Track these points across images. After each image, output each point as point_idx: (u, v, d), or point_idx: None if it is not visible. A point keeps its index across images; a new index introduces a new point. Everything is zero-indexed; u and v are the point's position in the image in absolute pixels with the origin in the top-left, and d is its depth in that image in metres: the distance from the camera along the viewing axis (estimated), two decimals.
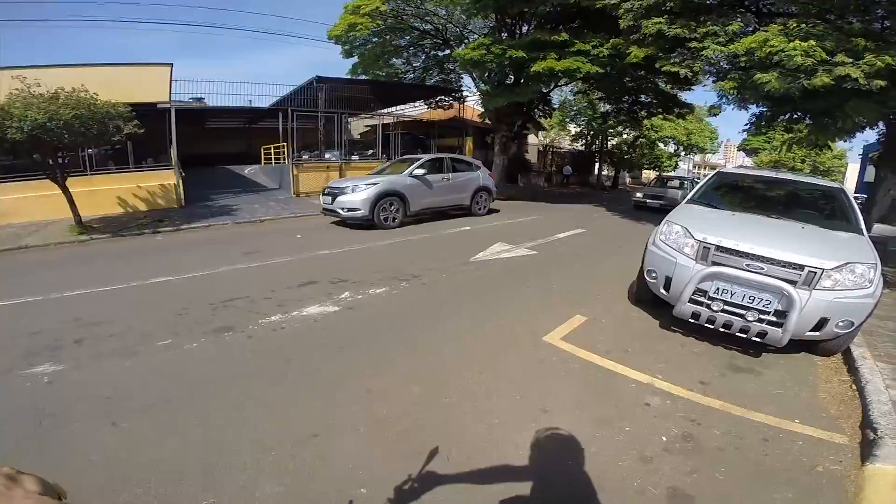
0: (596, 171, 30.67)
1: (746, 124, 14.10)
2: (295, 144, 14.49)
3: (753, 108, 12.16)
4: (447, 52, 19.33)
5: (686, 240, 4.03)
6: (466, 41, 18.31)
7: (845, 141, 12.81)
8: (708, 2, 9.79)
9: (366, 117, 19.25)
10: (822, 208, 5.02)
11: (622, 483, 2.22)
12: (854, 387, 3.28)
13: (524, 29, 16.69)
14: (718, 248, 3.78)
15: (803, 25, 8.17)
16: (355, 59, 18.30)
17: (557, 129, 31.01)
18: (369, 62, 18.16)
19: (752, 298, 3.55)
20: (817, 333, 3.48)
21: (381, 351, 3.67)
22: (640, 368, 3.44)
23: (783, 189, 5.57)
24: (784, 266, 3.50)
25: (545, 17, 15.37)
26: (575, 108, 28.00)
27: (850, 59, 7.58)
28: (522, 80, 15.55)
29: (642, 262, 4.66)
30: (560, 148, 31.45)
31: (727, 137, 43.32)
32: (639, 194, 15.97)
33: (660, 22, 9.57)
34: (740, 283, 3.58)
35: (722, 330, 3.71)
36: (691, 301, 3.76)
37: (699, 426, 2.73)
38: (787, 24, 8.55)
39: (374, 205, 9.07)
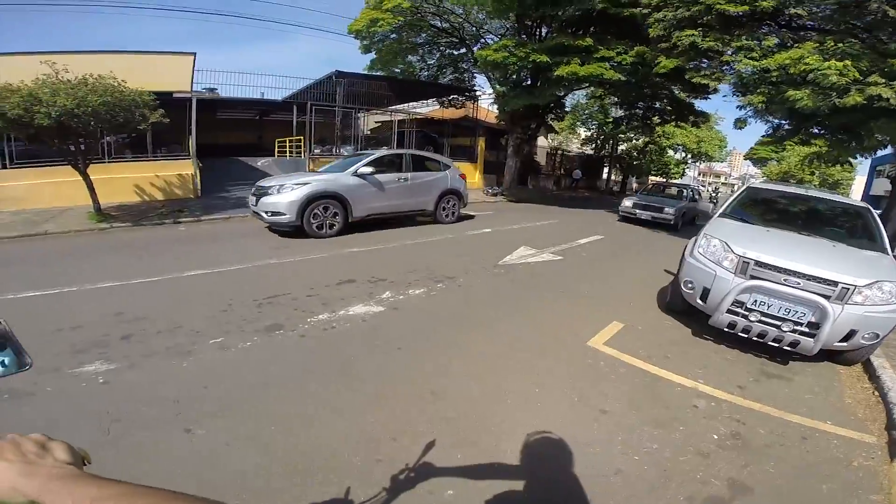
0: (605, 176, 30.59)
1: (765, 135, 14.12)
2: (312, 138, 14.33)
3: (773, 121, 12.17)
4: (462, 50, 19.26)
5: (726, 253, 4.28)
6: (483, 41, 18.22)
7: (866, 157, 12.81)
8: (741, 16, 9.72)
9: (377, 113, 19.14)
10: (850, 226, 5.27)
11: (688, 475, 2.44)
12: (876, 393, 3.63)
13: (543, 31, 16.60)
14: (758, 263, 4.02)
15: (840, 45, 8.14)
16: (373, 55, 18.16)
17: (567, 132, 30.93)
18: (387, 58, 18.03)
19: (787, 311, 3.80)
20: (845, 344, 3.77)
21: (434, 353, 3.72)
22: (682, 373, 3.67)
23: (811, 206, 5.74)
24: (819, 282, 3.76)
25: (565, 20, 15.28)
26: (586, 111, 27.91)
27: (884, 80, 7.55)
28: (541, 83, 15.47)
29: (677, 273, 4.98)
30: (569, 151, 31.38)
31: (733, 146, 43.39)
32: (627, 202, 13.41)
33: (693, 34, 9.52)
34: (778, 296, 3.82)
35: (756, 339, 3.98)
36: (729, 311, 4.00)
37: (744, 426, 2.98)
38: (823, 41, 8.52)
39: (302, 209, 7.53)
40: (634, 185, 35.37)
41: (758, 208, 5.78)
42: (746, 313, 3.95)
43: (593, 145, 30.48)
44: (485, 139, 20.26)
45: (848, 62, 7.83)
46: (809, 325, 3.72)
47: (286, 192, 7.62)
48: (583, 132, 31.71)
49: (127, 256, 6.34)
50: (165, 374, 3.07)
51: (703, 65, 10.85)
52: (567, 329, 4.42)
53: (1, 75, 7.53)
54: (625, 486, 2.32)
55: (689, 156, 33.70)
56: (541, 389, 3.21)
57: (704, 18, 9.66)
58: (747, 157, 34.36)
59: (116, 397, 2.75)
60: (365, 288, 5.22)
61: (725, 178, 71.50)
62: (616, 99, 21.40)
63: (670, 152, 32.88)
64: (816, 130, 11.36)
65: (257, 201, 7.88)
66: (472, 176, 19.69)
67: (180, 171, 11.82)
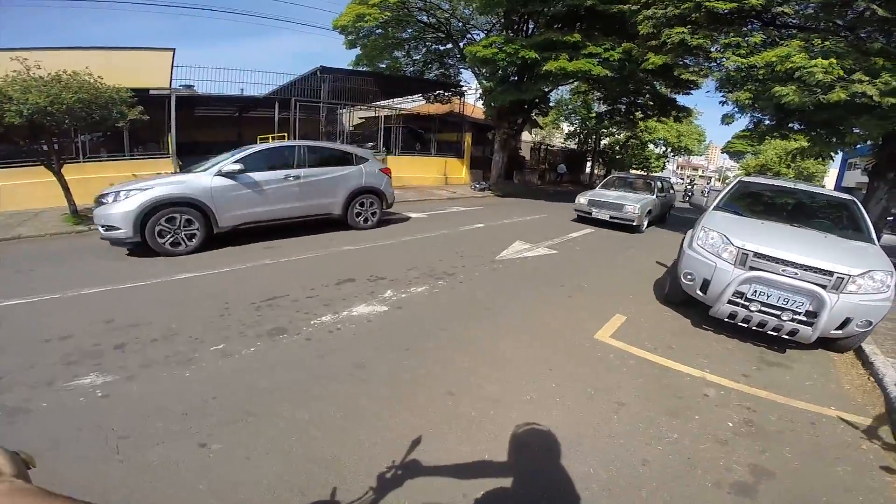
0: (588, 170, 30.83)
1: (745, 130, 14.40)
2: (297, 135, 14.01)
3: (758, 116, 12.39)
4: (449, 46, 19.13)
5: (725, 245, 4.42)
6: (470, 36, 18.13)
7: (845, 152, 13.18)
8: (729, 14, 9.86)
9: (362, 109, 18.87)
10: (837, 218, 5.45)
11: (711, 462, 2.50)
12: (871, 379, 3.79)
13: (530, 27, 16.57)
14: (757, 254, 4.16)
15: (827, 43, 8.32)
16: (358, 51, 17.87)
17: (551, 127, 31.07)
18: (373, 54, 17.78)
19: (786, 300, 3.93)
20: (840, 332, 3.91)
21: (445, 352, 3.66)
22: (688, 363, 3.76)
23: (800, 199, 5.95)
24: (816, 272, 3.92)
25: (552, 17, 15.28)
26: (570, 107, 28.07)
27: (867, 78, 7.75)
28: (528, 79, 15.46)
29: (675, 265, 5.13)
30: (552, 146, 31.56)
31: (710, 140, 44.29)
32: (581, 199, 10.99)
33: (683, 32, 9.60)
34: (777, 286, 3.96)
35: (755, 328, 4.11)
36: (730, 302, 4.13)
37: (755, 413, 3.07)
38: (809, 39, 8.70)
39: (141, 221, 5.90)
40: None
41: (749, 201, 5.96)
42: (747, 304, 4.08)
43: (576, 140, 30.69)
44: (471, 135, 20.19)
45: (833, 60, 8.00)
46: (807, 314, 3.86)
47: (121, 202, 5.95)
48: (566, 127, 31.91)
49: (110, 260, 6.04)
50: (168, 385, 2.89)
51: (690, 62, 10.99)
52: (573, 323, 4.47)
53: None
54: (654, 476, 2.36)
55: (670, 150, 34.27)
56: (558, 385, 3.22)
57: (693, 16, 9.75)
58: (724, 150, 35.16)
59: (119, 412, 2.56)
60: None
61: (703, 171, 73.09)
62: (600, 94, 21.54)
63: (651, 146, 33.36)
64: (797, 126, 11.67)
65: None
66: (459, 171, 19.63)
67: (160, 169, 11.38)
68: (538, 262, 6.96)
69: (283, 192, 7.14)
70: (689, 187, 27.44)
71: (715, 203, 5.75)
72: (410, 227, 9.23)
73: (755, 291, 4.04)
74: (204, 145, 17.94)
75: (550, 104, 24.06)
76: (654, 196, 11.42)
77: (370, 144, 17.45)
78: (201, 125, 20.31)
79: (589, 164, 30.77)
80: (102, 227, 6.07)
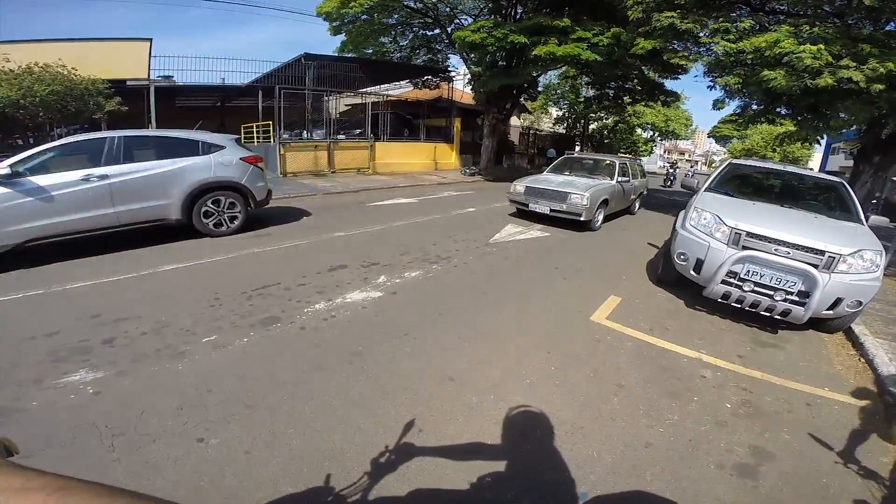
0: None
1: (732, 114, 14.49)
2: (282, 123, 13.74)
3: (746, 100, 12.45)
4: (436, 31, 18.82)
5: (718, 225, 4.44)
6: (457, 21, 17.84)
7: (830, 136, 13.33)
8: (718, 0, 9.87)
9: (349, 96, 18.58)
10: (826, 199, 5.51)
11: (712, 444, 2.51)
12: (862, 360, 3.83)
13: (518, 11, 16.35)
14: (749, 234, 4.17)
15: (815, 29, 8.35)
16: (343, 37, 17.47)
17: (539, 111, 30.93)
18: (358, 40, 17.42)
19: (779, 280, 3.96)
20: (831, 312, 3.94)
21: (443, 337, 3.64)
22: (685, 344, 3.78)
23: (789, 180, 6.03)
24: (808, 251, 3.94)
25: (541, 1, 15.09)
26: (558, 91, 27.94)
27: (855, 64, 7.80)
28: (517, 63, 15.30)
29: (669, 246, 5.17)
30: (541, 130, 31.46)
31: (696, 124, 44.57)
32: (518, 187, 8.75)
33: (672, 16, 9.58)
34: (770, 266, 3.98)
35: (748, 309, 4.13)
36: (723, 282, 4.16)
37: (752, 394, 3.08)
38: (798, 25, 8.73)
39: None
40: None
41: (740, 183, 5.99)
42: (740, 283, 4.11)
43: (565, 124, 30.62)
44: (460, 120, 20.01)
45: (821, 46, 8.05)
46: (799, 293, 3.90)
47: None
48: (554, 112, 31.79)
49: (92, 253, 5.87)
50: (161, 380, 2.80)
51: (679, 46, 10.97)
52: (569, 305, 4.47)
53: None
54: (657, 458, 2.36)
55: (657, 134, 34.39)
56: (556, 368, 3.21)
57: (683, 0, 9.70)
58: (711, 134, 35.38)
59: (112, 409, 2.48)
60: None
61: (689, 155, 73.62)
62: (588, 79, 21.42)
63: (639, 130, 33.43)
64: (784, 111, 11.75)
65: None
66: (448, 157, 19.49)
67: None
68: (531, 244, 6.98)
69: (81, 197, 5.48)
70: (670, 171, 24.65)
71: (706, 185, 5.77)
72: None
73: (748, 271, 4.08)
74: None
75: (539, 89, 23.91)
76: (614, 182, 8.92)
77: (358, 131, 17.23)
78: (183, 116, 19.85)
79: (578, 148, 30.77)
80: None
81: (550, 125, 33.74)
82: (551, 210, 8.16)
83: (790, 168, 6.21)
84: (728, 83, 9.90)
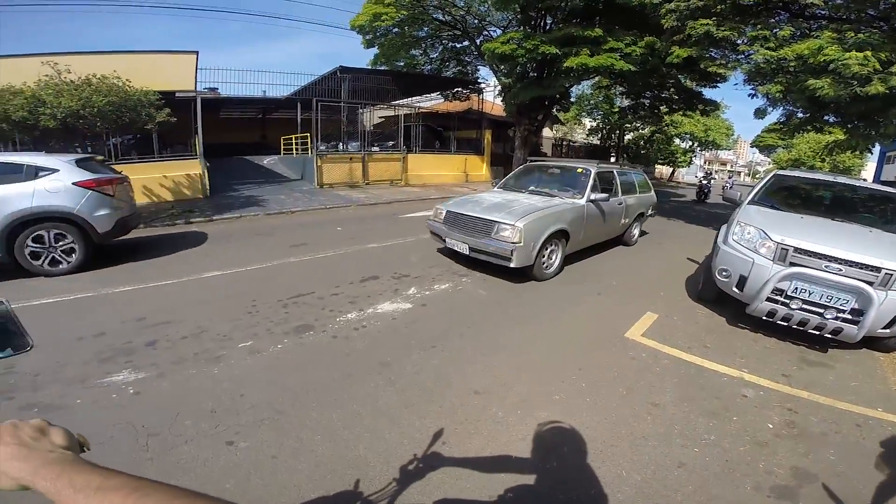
0: None
1: (776, 123, 13.93)
2: (319, 135, 14.15)
3: (789, 109, 11.97)
4: (465, 43, 19.05)
5: (763, 241, 4.21)
6: (486, 33, 17.99)
7: (883, 144, 12.62)
8: (755, 6, 9.55)
9: (382, 108, 18.98)
10: (882, 212, 5.17)
11: (750, 465, 2.40)
12: None
13: (547, 22, 16.34)
14: (797, 249, 3.94)
15: (860, 35, 7.98)
16: (376, 50, 17.96)
17: (572, 122, 30.64)
18: (390, 53, 17.84)
19: (829, 298, 3.72)
20: (887, 331, 3.70)
21: (471, 350, 3.62)
22: (725, 363, 3.61)
23: (840, 192, 5.67)
24: (862, 268, 3.69)
25: (570, 11, 15.03)
26: (591, 102, 27.63)
27: None
28: (548, 75, 15.25)
29: (710, 261, 4.97)
30: (574, 142, 31.12)
31: (738, 134, 43.02)
32: (440, 210, 6.05)
33: (708, 24, 9.34)
34: (820, 283, 3.75)
35: (796, 327, 3.91)
36: (768, 299, 3.93)
37: (797, 414, 2.94)
38: (841, 31, 8.37)
39: None
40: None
41: (786, 195, 5.69)
42: (787, 301, 3.88)
43: (599, 135, 30.19)
44: (491, 132, 20.05)
45: (868, 52, 7.69)
46: (853, 311, 3.65)
47: None
48: (588, 122, 31.42)
49: (141, 259, 6.19)
50: (197, 383, 2.92)
51: (717, 54, 10.68)
52: (602, 321, 4.39)
53: (3, 77, 7.38)
54: (689, 479, 2.27)
55: (697, 144, 33.40)
56: (587, 384, 3.14)
57: (718, 7, 9.47)
58: (754, 144, 34.07)
59: (150, 409, 2.60)
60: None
61: (731, 166, 71.02)
62: (622, 89, 21.09)
63: (677, 141, 32.56)
64: (832, 119, 11.21)
65: None
66: (479, 168, 19.53)
67: (188, 170, 11.66)
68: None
69: None
70: (703, 183, 19.80)
71: (750, 197, 5.51)
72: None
73: (796, 288, 3.86)
74: (227, 146, 18.40)
75: (571, 100, 23.70)
76: (583, 202, 6.00)
77: (391, 143, 17.53)
78: (226, 127, 20.83)
79: (612, 159, 30.28)
80: None
81: (584, 136, 33.34)
82: (471, 250, 5.33)
83: (841, 179, 5.87)
84: (770, 91, 9.53)
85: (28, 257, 5.21)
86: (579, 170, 6.76)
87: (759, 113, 11.17)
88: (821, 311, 3.75)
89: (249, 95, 17.13)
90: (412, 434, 2.48)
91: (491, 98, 22.05)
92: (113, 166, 10.16)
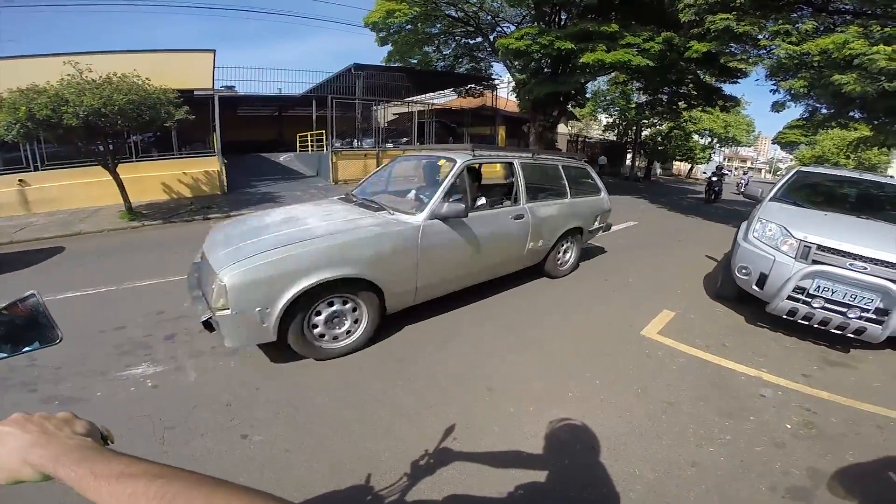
0: (629, 162, 29.89)
1: (800, 118, 13.60)
2: (334, 132, 14.26)
3: (812, 104, 11.68)
4: (479, 39, 18.96)
5: (784, 238, 4.11)
6: (499, 29, 17.87)
7: None
8: (777, 0, 9.33)
9: (396, 105, 19.04)
10: None
11: (766, 466, 2.37)
12: None
13: (562, 18, 16.16)
14: (820, 247, 3.84)
15: (887, 29, 7.74)
16: (389, 47, 17.99)
17: (588, 118, 30.26)
18: (404, 49, 17.86)
19: (853, 296, 3.62)
20: None
21: (485, 345, 3.61)
22: (743, 362, 3.57)
23: (865, 189, 5.50)
24: (888, 266, 3.58)
25: (585, 6, 14.84)
26: (608, 97, 27.25)
27: None
28: (563, 70, 15.09)
29: (729, 259, 4.86)
30: (590, 138, 30.74)
31: (759, 130, 42.02)
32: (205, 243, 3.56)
33: (727, 18, 9.13)
34: (843, 281, 3.65)
35: (817, 326, 3.81)
36: (789, 298, 3.85)
37: (816, 415, 2.88)
38: (867, 25, 8.11)
39: None
40: (658, 171, 34.39)
41: (809, 192, 5.53)
42: (808, 300, 3.79)
43: (616, 131, 29.78)
44: (505, 128, 19.97)
45: None
46: (877, 311, 3.55)
47: None
48: (604, 119, 31.01)
49: (161, 253, 6.33)
50: (214, 376, 2.98)
51: (737, 49, 10.46)
52: (618, 318, 4.32)
53: (26, 77, 7.57)
54: (703, 478, 2.25)
55: (716, 141, 32.69)
56: (602, 382, 3.13)
57: (738, 1, 9.27)
58: (776, 141, 33.23)
59: (167, 402, 2.66)
60: None
61: (752, 163, 69.48)
62: (639, 84, 20.75)
63: (696, 137, 31.93)
64: (857, 115, 10.91)
65: None
66: (493, 165, 19.42)
67: (207, 167, 11.86)
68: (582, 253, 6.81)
69: None
70: (713, 180, 16.93)
71: (771, 194, 5.37)
72: None
73: (818, 287, 3.75)
74: (244, 144, 18.65)
75: (587, 95, 23.40)
76: (416, 222, 3.62)
77: (405, 139, 17.57)
78: (244, 125, 21.09)
79: (629, 155, 29.82)
80: None
81: (600, 132, 32.91)
82: (201, 313, 2.96)
83: (867, 175, 5.67)
84: (793, 87, 9.31)
85: None
86: (441, 162, 4.51)
87: (778, 106, 10.94)
88: (844, 310, 3.65)
89: (266, 93, 17.33)
90: (425, 430, 2.48)
91: (505, 94, 21.93)
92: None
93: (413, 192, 4.44)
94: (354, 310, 3.30)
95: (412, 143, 16.73)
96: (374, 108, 17.15)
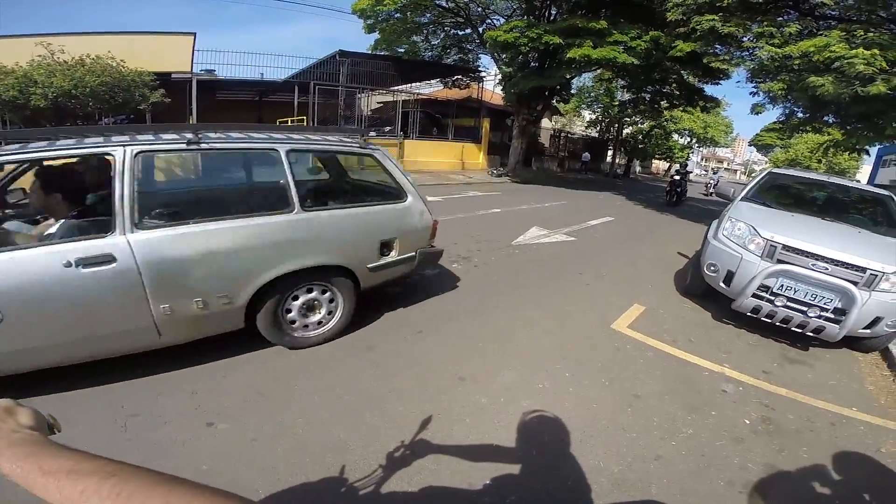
0: (609, 159, 30.25)
1: (776, 121, 13.93)
2: (315, 119, 14.04)
3: (790, 107, 11.96)
4: (468, 31, 18.88)
5: (752, 237, 4.24)
6: (489, 21, 17.81)
7: (883, 146, 12.66)
8: (762, 3, 9.49)
9: (382, 93, 18.83)
10: (872, 213, 5.22)
11: (725, 460, 2.44)
12: None
13: (552, 13, 16.19)
14: (786, 247, 3.97)
15: (870, 34, 7.93)
16: (377, 35, 17.76)
17: (571, 114, 30.47)
18: (391, 38, 17.66)
19: (814, 296, 3.76)
20: (868, 331, 3.75)
21: (457, 336, 3.63)
22: (708, 357, 3.67)
23: (833, 192, 5.70)
24: (848, 267, 3.73)
25: (576, 2, 14.89)
26: (592, 94, 27.48)
27: None
28: (550, 65, 15.14)
29: (699, 256, 4.99)
30: (573, 133, 31.00)
31: (737, 132, 42.92)
32: None
33: (713, 19, 9.27)
34: (805, 281, 3.78)
35: (779, 324, 3.95)
36: (754, 296, 3.97)
37: (774, 411, 2.98)
38: (850, 30, 8.31)
39: None
40: (638, 169, 34.88)
41: (779, 193, 5.72)
42: (772, 298, 3.92)
43: (598, 128, 30.08)
44: (489, 120, 19.96)
45: (876, 51, 7.63)
46: (835, 311, 3.70)
47: None
48: (587, 115, 31.29)
49: None
50: (180, 364, 2.91)
51: (720, 50, 10.65)
52: (590, 312, 4.39)
53: None
54: (665, 471, 2.31)
55: (695, 141, 33.32)
56: (572, 374, 3.17)
57: (725, 2, 9.41)
58: (752, 143, 34.07)
59: (130, 389, 2.57)
60: None
61: (728, 164, 71.02)
62: (624, 82, 20.97)
63: (675, 136, 32.48)
64: (831, 119, 11.23)
65: None
66: (476, 157, 19.47)
67: None
68: (556, 248, 6.89)
69: None
70: (675, 179, 15.24)
71: (743, 194, 5.54)
72: None
73: (782, 286, 3.89)
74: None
75: (572, 91, 23.57)
76: None
77: (388, 128, 17.40)
78: (223, 109, 20.49)
79: (610, 152, 30.18)
80: None
81: (583, 128, 33.20)
82: None
83: (834, 179, 5.91)
84: (772, 89, 9.53)
85: None
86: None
87: (757, 108, 11.18)
88: (804, 308, 3.80)
89: (246, 78, 16.89)
90: (395, 419, 2.49)
91: (491, 87, 21.90)
92: None
93: None
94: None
95: (395, 132, 16.58)
96: (359, 95, 16.92)
